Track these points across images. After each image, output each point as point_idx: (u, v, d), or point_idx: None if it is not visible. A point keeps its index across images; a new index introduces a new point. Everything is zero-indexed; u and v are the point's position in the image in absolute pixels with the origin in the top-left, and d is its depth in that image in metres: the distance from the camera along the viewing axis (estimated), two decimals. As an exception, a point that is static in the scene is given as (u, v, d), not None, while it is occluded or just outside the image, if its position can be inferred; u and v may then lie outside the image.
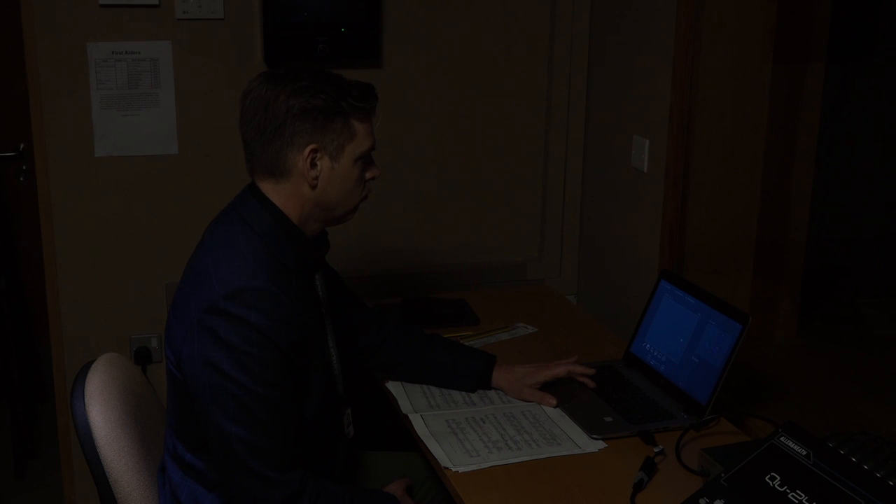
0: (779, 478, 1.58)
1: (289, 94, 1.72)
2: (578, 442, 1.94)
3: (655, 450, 1.89)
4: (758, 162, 2.68)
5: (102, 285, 2.70)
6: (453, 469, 1.83)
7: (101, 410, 1.76)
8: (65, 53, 2.55)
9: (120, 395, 1.82)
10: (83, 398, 1.77)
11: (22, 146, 2.96)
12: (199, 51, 2.64)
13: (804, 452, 1.60)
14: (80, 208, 2.65)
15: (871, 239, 3.99)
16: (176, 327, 1.74)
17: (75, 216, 2.65)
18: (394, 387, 2.18)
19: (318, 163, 1.75)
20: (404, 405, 2.09)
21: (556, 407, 2.08)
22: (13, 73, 2.88)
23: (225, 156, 2.63)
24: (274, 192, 1.78)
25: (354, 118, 1.76)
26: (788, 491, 1.55)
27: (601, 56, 2.89)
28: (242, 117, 1.77)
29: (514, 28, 2.89)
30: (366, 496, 1.84)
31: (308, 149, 1.73)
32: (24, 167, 2.90)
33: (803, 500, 1.53)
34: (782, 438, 1.64)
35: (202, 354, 1.66)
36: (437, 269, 2.96)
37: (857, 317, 3.28)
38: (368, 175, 1.83)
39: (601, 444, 1.94)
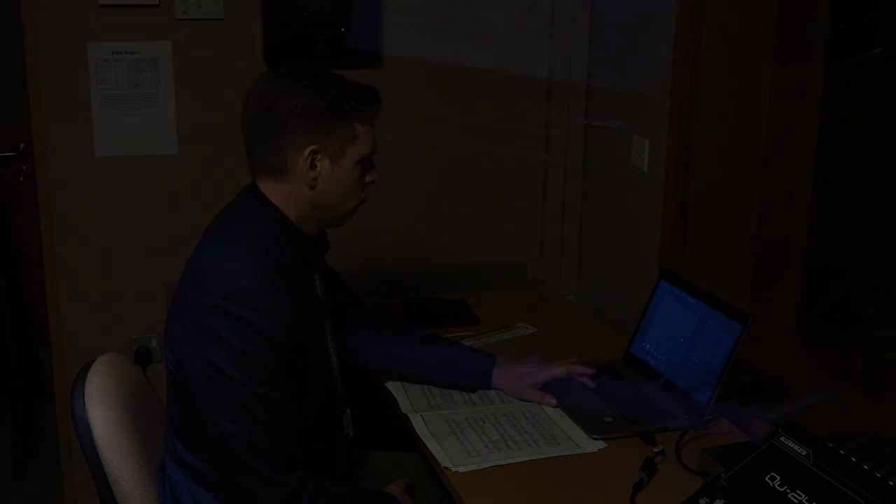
0: (779, 478, 1.58)
1: (291, 94, 1.71)
2: (578, 442, 1.94)
3: (655, 450, 1.89)
4: (758, 162, 2.68)
5: (102, 285, 2.70)
6: (453, 469, 1.83)
7: (101, 410, 1.76)
8: (65, 53, 2.54)
9: (120, 395, 1.82)
10: (83, 398, 1.77)
11: (22, 146, 2.95)
12: (199, 51, 2.64)
13: (804, 452, 1.60)
14: (80, 208, 2.65)
15: (871, 239, 3.99)
16: (175, 327, 1.74)
17: (75, 216, 2.65)
18: (394, 387, 2.18)
19: (318, 164, 1.75)
20: (404, 405, 2.09)
21: (556, 407, 2.08)
22: (13, 73, 2.88)
23: (225, 156, 2.63)
24: (274, 191, 1.78)
25: (357, 121, 1.76)
26: (788, 491, 1.55)
27: (601, 56, 2.89)
28: (244, 116, 1.77)
29: (513, 28, 2.88)
30: (366, 496, 1.84)
31: (308, 149, 1.73)
32: (24, 167, 2.89)
33: (803, 500, 1.53)
34: (782, 438, 1.64)
35: (202, 354, 1.66)
36: (437, 269, 2.96)
37: (857, 317, 3.29)
38: (368, 178, 1.83)
39: (601, 444, 1.93)
